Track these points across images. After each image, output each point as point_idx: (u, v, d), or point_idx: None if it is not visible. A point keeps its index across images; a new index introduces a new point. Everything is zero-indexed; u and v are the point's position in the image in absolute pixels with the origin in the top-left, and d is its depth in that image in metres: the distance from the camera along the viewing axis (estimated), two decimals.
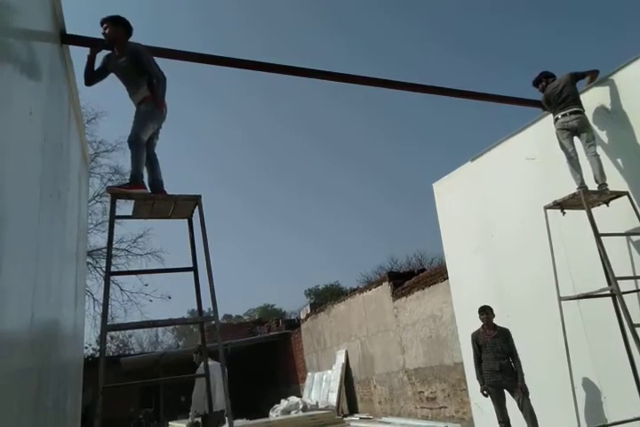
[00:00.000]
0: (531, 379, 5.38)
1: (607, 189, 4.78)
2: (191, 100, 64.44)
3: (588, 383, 5.13)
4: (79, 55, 4.04)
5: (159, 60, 4.05)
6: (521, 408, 5.29)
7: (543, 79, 5.44)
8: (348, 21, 68.63)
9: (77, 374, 5.36)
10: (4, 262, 1.93)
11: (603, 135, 5.18)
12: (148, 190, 3.78)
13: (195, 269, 3.93)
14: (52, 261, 3.18)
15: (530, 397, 5.29)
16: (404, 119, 64.28)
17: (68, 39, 3.68)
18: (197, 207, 3.79)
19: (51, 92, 3.01)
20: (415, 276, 11.33)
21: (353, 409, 13.73)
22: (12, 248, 2.09)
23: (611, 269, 4.45)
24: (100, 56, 4.04)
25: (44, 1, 3.00)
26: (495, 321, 5.77)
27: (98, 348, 15.95)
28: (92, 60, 4.00)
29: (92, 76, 4.06)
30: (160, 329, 35.89)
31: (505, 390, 5.51)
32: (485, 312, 5.72)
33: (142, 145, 3.78)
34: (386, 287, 12.13)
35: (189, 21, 69.77)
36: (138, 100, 3.89)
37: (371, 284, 13.92)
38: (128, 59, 3.86)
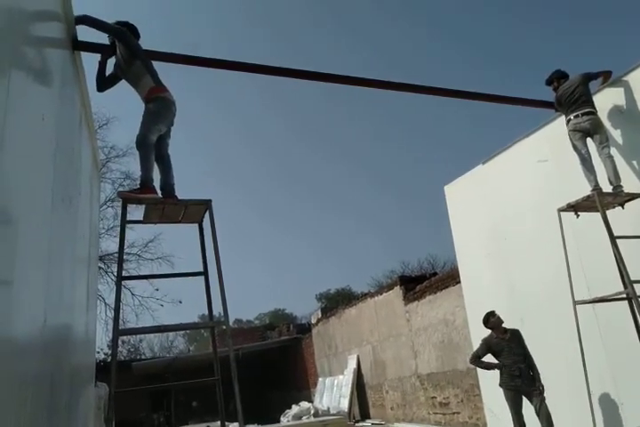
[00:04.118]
0: (546, 384, 5.29)
1: (622, 191, 4.72)
2: (194, 102, 64.81)
3: (604, 389, 5.04)
4: (91, 61, 4.08)
5: (165, 65, 4.07)
6: (538, 413, 5.21)
7: (555, 79, 5.39)
8: (347, 22, 68.77)
9: (89, 379, 5.38)
10: (16, 267, 1.94)
11: (616, 136, 5.11)
12: (159, 195, 3.76)
13: (205, 273, 3.93)
14: (64, 265, 3.20)
15: (546, 401, 5.21)
16: (412, 123, 64.14)
17: (79, 46, 3.72)
18: (208, 212, 3.79)
19: (63, 98, 3.03)
20: (427, 280, 11.25)
21: (365, 415, 13.63)
22: (25, 253, 2.10)
23: (626, 273, 4.38)
24: (111, 63, 4.07)
25: (56, 8, 3.03)
26: (507, 325, 5.68)
27: (109, 352, 16.03)
28: (102, 66, 4.04)
29: (104, 83, 4.10)
30: (171, 334, 35.97)
31: (522, 396, 5.43)
32: (491, 319, 5.62)
33: (150, 146, 3.71)
34: (397, 291, 12.05)
35: (200, 26, 70.43)
36: (144, 92, 3.81)
37: (382, 288, 13.85)
38: (120, 45, 3.85)
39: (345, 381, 14.18)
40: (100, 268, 14.69)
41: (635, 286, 4.33)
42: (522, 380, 5.38)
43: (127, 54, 3.84)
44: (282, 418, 13.61)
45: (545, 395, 5.23)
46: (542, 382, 5.31)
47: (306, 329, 19.86)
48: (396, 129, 64.00)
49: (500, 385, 5.57)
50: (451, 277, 9.83)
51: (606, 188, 4.77)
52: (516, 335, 5.57)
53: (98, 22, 3.77)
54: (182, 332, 36.47)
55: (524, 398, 5.40)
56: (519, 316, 5.95)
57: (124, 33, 3.87)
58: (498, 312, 5.70)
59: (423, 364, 10.95)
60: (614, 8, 55.88)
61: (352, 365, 14.20)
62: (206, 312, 3.97)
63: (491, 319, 5.65)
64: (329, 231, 66.84)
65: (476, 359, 5.76)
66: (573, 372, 4.91)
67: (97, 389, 6.15)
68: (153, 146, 3.76)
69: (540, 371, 5.37)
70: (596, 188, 4.76)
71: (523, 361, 5.42)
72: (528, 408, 5.33)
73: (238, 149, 73.30)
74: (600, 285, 4.87)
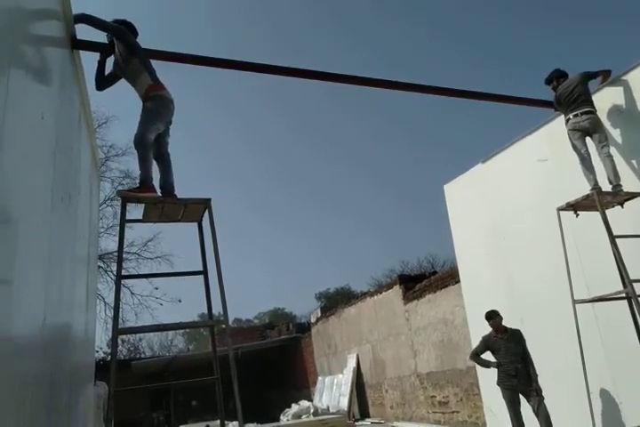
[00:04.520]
0: (545, 383, 5.30)
1: (621, 190, 4.72)
2: (198, 103, 64.84)
3: (603, 388, 5.05)
4: (90, 60, 4.08)
5: (165, 65, 4.07)
6: (536, 413, 5.21)
7: (554, 78, 5.38)
8: (347, 21, 68.70)
9: (89, 378, 5.38)
10: (16, 266, 1.94)
11: (616, 135, 5.12)
12: (158, 194, 3.76)
13: (205, 272, 3.92)
14: (64, 264, 3.19)
15: (545, 401, 5.21)
16: (412, 123, 64.10)
17: (78, 44, 3.71)
18: (207, 211, 3.79)
19: (62, 97, 3.03)
20: (426, 279, 11.25)
21: (364, 414, 13.65)
22: (25, 252, 2.09)
23: (626, 272, 4.39)
24: (111, 62, 4.07)
25: (55, 7, 3.02)
26: (507, 324, 5.68)
27: (109, 351, 16.04)
28: (102, 64, 4.04)
29: (103, 81, 4.09)
30: (171, 333, 35.97)
31: (520, 395, 5.43)
32: (492, 318, 5.63)
33: (149, 145, 3.71)
34: (397, 290, 12.06)
35: (197, 25, 70.40)
36: (142, 90, 3.80)
37: (382, 287, 13.85)
38: (118, 43, 3.84)
39: (344, 380, 14.19)
40: (99, 267, 14.68)
41: (634, 285, 4.34)
42: (518, 379, 5.38)
43: (125, 52, 3.84)
44: (281, 417, 13.63)
45: (544, 395, 5.23)
46: (541, 382, 5.30)
47: (305, 328, 19.88)
48: (396, 129, 64.03)
49: (498, 384, 5.58)
50: (450, 277, 9.83)
51: (606, 187, 4.77)
52: (515, 335, 5.56)
53: (96, 21, 3.77)
54: (182, 331, 36.49)
55: (523, 398, 5.41)
56: (519, 315, 5.96)
57: (122, 31, 3.87)
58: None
59: (422, 363, 10.96)
60: (613, 8, 55.89)
61: (351, 364, 14.21)
62: (206, 311, 3.97)
63: (493, 317, 5.63)
64: (328, 230, 66.86)
65: (475, 356, 5.79)
66: (573, 371, 4.91)
67: (96, 388, 6.15)
68: (151, 145, 3.75)
69: (538, 371, 5.36)
70: (596, 187, 4.76)
71: (520, 361, 5.42)
72: (527, 408, 5.33)
73: (238, 148, 73.26)
74: (599, 284, 4.88)
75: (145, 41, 4.01)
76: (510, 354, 5.48)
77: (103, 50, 4.00)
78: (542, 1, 59.71)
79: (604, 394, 5.04)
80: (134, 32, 4.01)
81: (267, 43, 67.01)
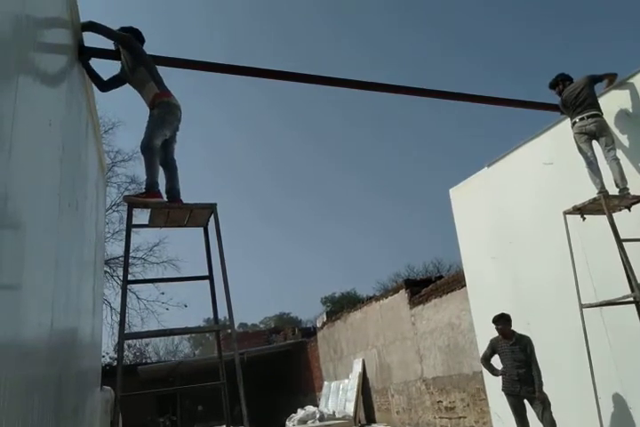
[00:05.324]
0: (552, 389, 5.25)
1: (628, 194, 4.70)
2: (207, 108, 65.20)
3: (612, 393, 4.99)
4: (98, 67, 4.10)
5: (173, 70, 4.09)
6: (541, 420, 5.15)
7: (560, 82, 5.37)
8: (355, 24, 69.07)
9: (96, 382, 5.39)
10: (24, 272, 1.95)
11: (622, 139, 5.09)
12: (164, 199, 3.78)
13: (210, 277, 3.94)
14: (71, 270, 3.21)
15: (551, 408, 5.15)
16: (420, 129, 64.17)
17: (85, 52, 3.74)
18: (213, 216, 3.80)
19: (69, 103, 3.06)
20: (432, 283, 11.20)
21: (370, 419, 13.57)
22: (32, 257, 2.11)
23: (633, 276, 4.36)
24: (98, 65, 4.04)
25: (63, 15, 3.06)
26: (514, 328, 5.64)
27: (115, 356, 16.08)
28: (88, 68, 3.94)
29: (104, 84, 4.06)
30: (176, 338, 36.03)
31: (525, 401, 5.38)
32: (500, 323, 5.57)
33: (155, 151, 3.73)
34: (403, 295, 12.02)
35: (202, 31, 70.89)
36: (149, 98, 3.82)
37: (387, 291, 13.81)
38: (124, 51, 3.85)
39: (350, 385, 14.13)
40: (105, 272, 14.75)
41: None
42: (521, 385, 5.32)
43: (132, 61, 3.86)
44: (287, 422, 13.59)
45: (550, 401, 5.16)
46: (548, 387, 5.23)
47: (311, 333, 19.85)
48: (404, 134, 64.11)
49: (502, 390, 5.53)
50: (456, 281, 9.79)
51: (612, 190, 4.75)
52: (522, 341, 5.48)
53: (103, 29, 3.79)
54: (187, 336, 36.57)
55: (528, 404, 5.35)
56: (525, 319, 5.92)
57: (128, 39, 3.89)
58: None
59: (429, 368, 10.90)
60: (618, 11, 55.82)
61: (357, 369, 14.15)
62: (211, 316, 3.97)
63: (500, 321, 5.58)
64: (334, 235, 66.87)
65: (484, 361, 5.76)
66: (580, 376, 4.87)
67: (103, 393, 6.15)
68: (158, 150, 3.77)
69: (545, 377, 5.28)
70: (603, 190, 4.74)
71: (523, 367, 5.34)
72: (534, 414, 5.28)
73: (245, 153, 73.55)
74: (607, 288, 4.84)
75: (151, 47, 4.05)
76: (513, 360, 5.42)
77: (83, 55, 3.91)
78: (545, 4, 59.75)
79: (613, 399, 4.99)
80: (141, 39, 4.03)
81: (266, 43, 67.37)
